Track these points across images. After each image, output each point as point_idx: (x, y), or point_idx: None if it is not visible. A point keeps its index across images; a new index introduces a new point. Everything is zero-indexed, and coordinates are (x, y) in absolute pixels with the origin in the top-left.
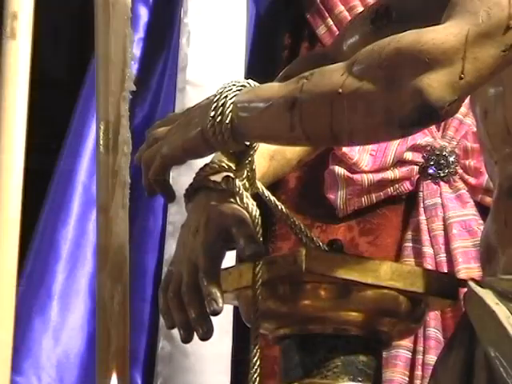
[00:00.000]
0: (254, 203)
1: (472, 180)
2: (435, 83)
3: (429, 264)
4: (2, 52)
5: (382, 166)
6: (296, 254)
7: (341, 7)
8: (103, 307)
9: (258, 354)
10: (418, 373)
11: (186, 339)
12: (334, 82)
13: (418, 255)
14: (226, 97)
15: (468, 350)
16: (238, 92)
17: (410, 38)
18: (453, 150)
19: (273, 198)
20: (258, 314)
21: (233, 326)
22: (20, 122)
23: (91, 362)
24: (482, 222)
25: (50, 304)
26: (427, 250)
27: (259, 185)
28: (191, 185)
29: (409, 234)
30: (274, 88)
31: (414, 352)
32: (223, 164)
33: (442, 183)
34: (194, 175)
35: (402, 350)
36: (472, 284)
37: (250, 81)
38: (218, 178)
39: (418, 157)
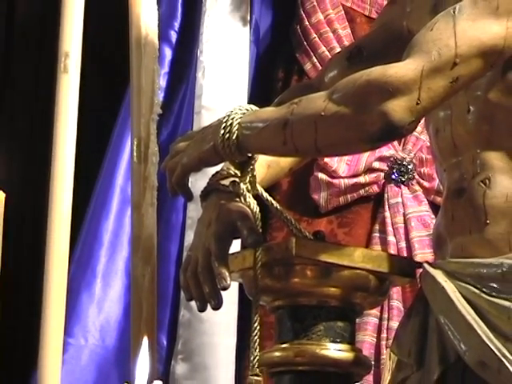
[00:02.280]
0: (255, 202)
1: (426, 184)
2: (397, 108)
3: (392, 250)
4: (57, 84)
5: (355, 172)
6: (288, 242)
7: (323, 48)
8: (136, 284)
9: (257, 321)
10: (384, 335)
11: (202, 309)
12: (318, 106)
13: (384, 243)
14: (233, 118)
15: (423, 317)
16: (242, 115)
17: (377, 72)
18: (411, 160)
19: (270, 198)
20: (258, 290)
21: (238, 299)
22: (71, 140)
23: (127, 327)
24: (434, 216)
25: (94, 281)
26: (391, 239)
27: (259, 187)
28: (205, 188)
29: (376, 227)
30: (270, 111)
31: (381, 319)
32: (230, 171)
33: (402, 186)
34: (207, 180)
35: (371, 317)
36: (426, 265)
37: (251, 106)
38: (226, 182)
39: (383, 165)
